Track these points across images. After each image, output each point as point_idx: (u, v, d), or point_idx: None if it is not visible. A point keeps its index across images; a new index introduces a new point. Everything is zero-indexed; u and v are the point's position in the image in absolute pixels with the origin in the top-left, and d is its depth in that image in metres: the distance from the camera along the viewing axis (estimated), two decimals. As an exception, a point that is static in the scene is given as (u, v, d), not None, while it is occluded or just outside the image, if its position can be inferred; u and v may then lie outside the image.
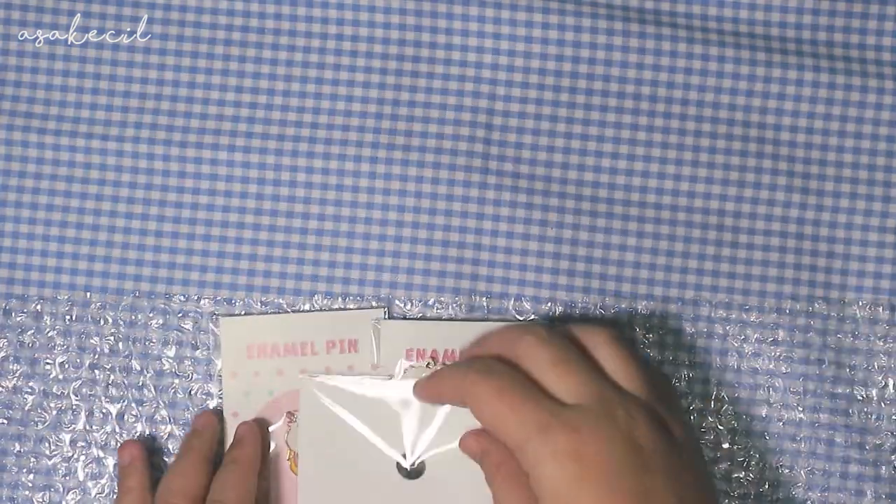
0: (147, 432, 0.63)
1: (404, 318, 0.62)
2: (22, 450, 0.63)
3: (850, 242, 0.63)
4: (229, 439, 0.62)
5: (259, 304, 0.63)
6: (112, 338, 0.63)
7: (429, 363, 0.62)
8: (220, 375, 0.62)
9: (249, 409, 0.62)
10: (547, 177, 0.63)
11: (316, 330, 0.62)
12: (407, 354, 0.62)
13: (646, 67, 0.63)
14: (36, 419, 0.63)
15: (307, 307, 0.63)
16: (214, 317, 0.63)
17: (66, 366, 0.63)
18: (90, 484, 0.63)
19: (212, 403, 0.63)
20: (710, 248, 0.62)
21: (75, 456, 0.63)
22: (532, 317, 0.62)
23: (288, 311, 0.63)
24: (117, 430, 0.63)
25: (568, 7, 0.63)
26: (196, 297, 0.63)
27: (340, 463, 0.61)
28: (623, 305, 0.63)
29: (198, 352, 0.63)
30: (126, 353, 0.63)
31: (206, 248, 0.63)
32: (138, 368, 0.63)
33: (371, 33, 0.63)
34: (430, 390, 0.58)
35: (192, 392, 0.63)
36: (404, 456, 0.61)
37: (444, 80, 0.63)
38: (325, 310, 0.63)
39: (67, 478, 0.63)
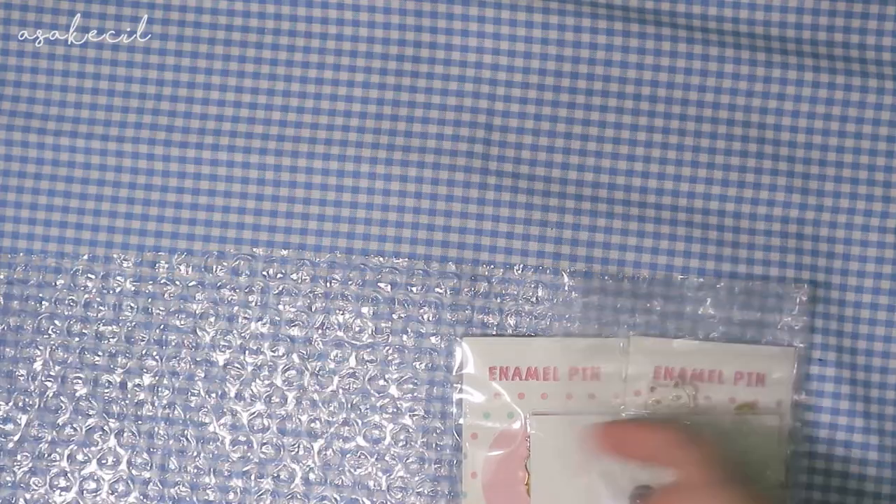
0: (146, 401, 0.63)
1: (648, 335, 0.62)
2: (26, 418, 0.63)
3: (850, 242, 0.63)
4: (469, 458, 0.62)
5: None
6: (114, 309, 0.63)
7: (676, 383, 0.61)
8: (460, 396, 0.62)
9: (488, 430, 0.62)
10: (547, 177, 0.63)
11: (559, 356, 0.62)
12: (655, 372, 0.62)
13: (646, 67, 0.63)
14: (36, 394, 0.63)
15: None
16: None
17: (61, 346, 0.63)
18: (90, 450, 0.63)
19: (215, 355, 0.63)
20: (710, 249, 0.62)
21: (81, 417, 0.63)
22: (547, 309, 0.62)
23: (532, 336, 0.62)
24: (119, 396, 0.63)
25: (568, 7, 0.63)
26: (194, 295, 0.63)
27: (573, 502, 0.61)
28: (639, 296, 0.62)
29: (211, 352, 0.63)
30: (139, 337, 0.63)
31: (205, 249, 0.63)
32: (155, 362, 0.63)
33: (371, 33, 0.63)
34: (617, 438, 0.59)
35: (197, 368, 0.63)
36: (634, 499, 0.60)
37: (444, 80, 0.63)
38: (568, 336, 0.62)
39: (66, 443, 0.63)
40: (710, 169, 0.63)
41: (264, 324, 0.63)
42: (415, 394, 0.63)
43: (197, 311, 0.63)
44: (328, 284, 0.63)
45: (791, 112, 0.63)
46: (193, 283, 0.63)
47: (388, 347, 0.63)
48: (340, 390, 0.63)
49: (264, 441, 0.63)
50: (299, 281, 0.63)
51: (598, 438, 0.59)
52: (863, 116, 0.63)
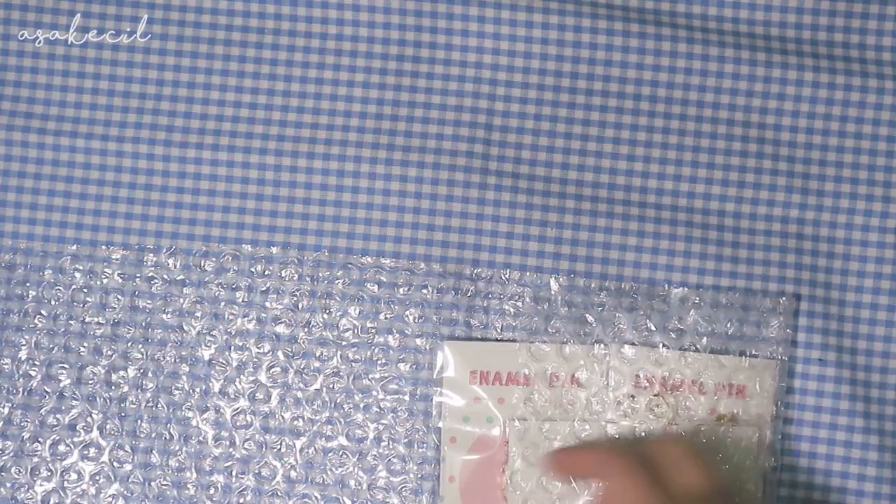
0: (133, 390, 0.63)
1: (633, 344, 0.62)
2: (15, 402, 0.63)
3: (850, 242, 0.62)
4: (447, 462, 0.62)
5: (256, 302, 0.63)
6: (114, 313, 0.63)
7: (657, 392, 0.61)
8: (440, 400, 0.62)
9: (467, 434, 0.62)
10: (547, 177, 0.63)
11: (540, 361, 0.62)
12: (636, 381, 0.61)
13: (646, 67, 0.63)
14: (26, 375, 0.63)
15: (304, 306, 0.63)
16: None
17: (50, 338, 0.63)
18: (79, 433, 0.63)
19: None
20: (711, 248, 0.62)
21: (64, 407, 0.63)
22: (531, 314, 0.62)
23: (513, 341, 0.62)
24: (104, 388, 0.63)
25: (568, 7, 0.63)
26: (196, 297, 0.63)
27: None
28: (624, 305, 0.62)
29: (196, 347, 0.63)
30: (129, 336, 0.63)
31: (205, 249, 0.63)
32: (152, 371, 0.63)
33: (371, 33, 0.63)
34: (565, 462, 0.59)
35: (183, 363, 0.63)
36: None
37: (444, 80, 0.63)
38: (551, 341, 0.62)
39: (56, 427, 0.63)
40: (710, 169, 0.63)
41: (250, 320, 0.63)
42: (398, 395, 0.63)
43: (183, 306, 0.63)
44: (314, 283, 0.63)
45: (791, 112, 0.63)
46: (180, 277, 0.63)
47: (373, 347, 0.63)
48: (324, 389, 0.63)
49: (247, 438, 0.63)
50: (286, 279, 0.63)
51: (549, 465, 0.60)
52: (863, 116, 0.63)
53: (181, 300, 0.63)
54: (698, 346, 0.62)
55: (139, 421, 0.63)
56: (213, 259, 0.63)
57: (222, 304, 0.63)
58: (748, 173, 0.63)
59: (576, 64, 0.63)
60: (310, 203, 0.63)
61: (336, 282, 0.63)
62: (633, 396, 0.61)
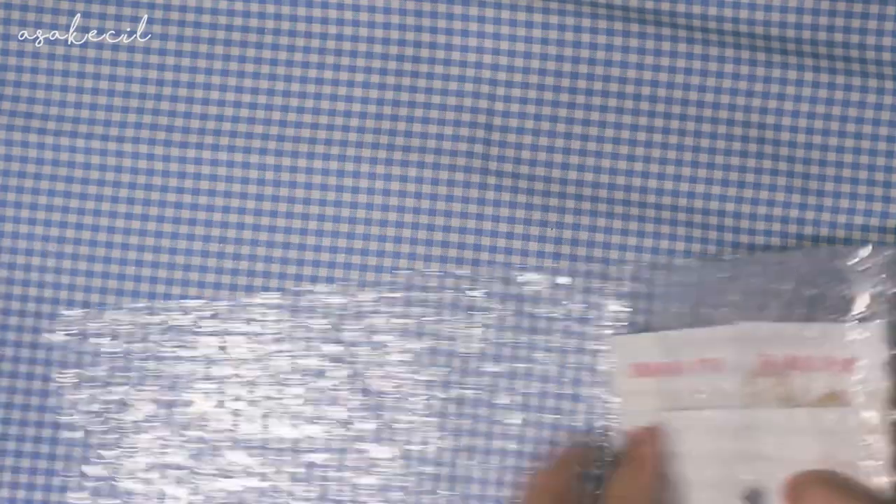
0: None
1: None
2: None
3: (850, 242, 0.63)
4: None
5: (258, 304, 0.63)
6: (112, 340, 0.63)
7: (780, 371, 0.56)
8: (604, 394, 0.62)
9: (626, 427, 0.61)
10: (547, 177, 0.63)
11: (692, 348, 0.59)
12: (761, 361, 0.57)
13: (646, 67, 0.63)
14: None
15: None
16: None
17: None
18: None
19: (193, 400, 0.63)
20: (710, 249, 0.63)
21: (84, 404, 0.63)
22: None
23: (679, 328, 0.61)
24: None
25: (568, 7, 0.63)
26: (195, 299, 0.63)
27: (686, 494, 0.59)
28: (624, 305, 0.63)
29: (196, 351, 0.63)
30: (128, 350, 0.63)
31: (205, 249, 0.63)
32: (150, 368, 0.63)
33: (371, 33, 0.63)
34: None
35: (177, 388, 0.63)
36: (751, 490, 0.57)
37: (444, 80, 0.63)
38: (698, 327, 0.60)
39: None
40: (710, 169, 0.63)
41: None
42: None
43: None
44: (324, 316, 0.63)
45: (791, 112, 0.63)
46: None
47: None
48: (338, 398, 0.63)
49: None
50: (291, 324, 0.63)
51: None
52: (863, 116, 0.63)
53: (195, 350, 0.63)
54: (786, 313, 0.58)
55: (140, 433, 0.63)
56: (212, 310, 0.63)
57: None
58: (748, 173, 0.63)
59: (576, 64, 0.63)
60: (310, 203, 0.63)
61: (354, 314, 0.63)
62: (756, 377, 0.57)
